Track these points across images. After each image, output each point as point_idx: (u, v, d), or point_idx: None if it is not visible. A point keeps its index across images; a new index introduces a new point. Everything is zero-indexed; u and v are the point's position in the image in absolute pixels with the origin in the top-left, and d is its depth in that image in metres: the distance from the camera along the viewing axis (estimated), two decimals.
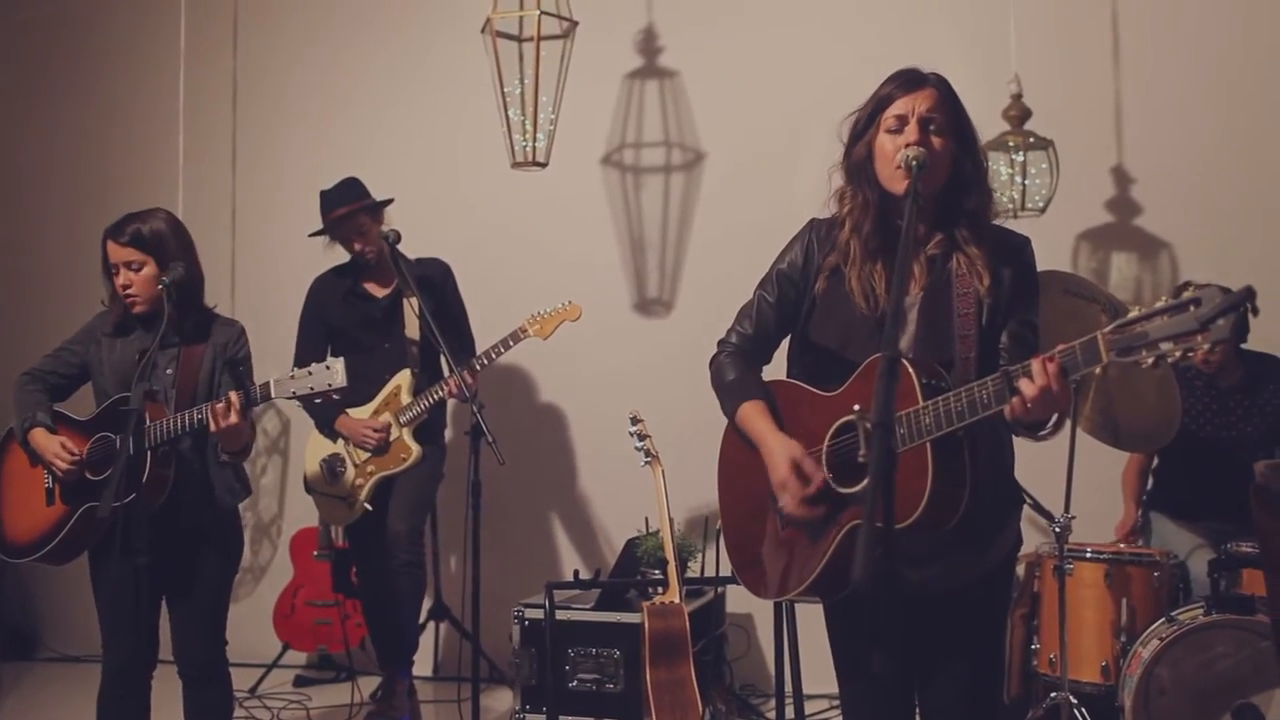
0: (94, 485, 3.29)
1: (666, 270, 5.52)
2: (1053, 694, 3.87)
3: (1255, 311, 1.80)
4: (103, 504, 2.96)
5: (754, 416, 2.44)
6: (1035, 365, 2.03)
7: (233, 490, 3.45)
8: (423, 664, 5.28)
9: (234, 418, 3.12)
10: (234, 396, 3.12)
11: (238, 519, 3.54)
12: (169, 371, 3.35)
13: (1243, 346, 4.35)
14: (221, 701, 3.47)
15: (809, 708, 4.31)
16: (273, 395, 3.20)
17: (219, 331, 3.44)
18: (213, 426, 3.14)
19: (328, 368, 3.16)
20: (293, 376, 3.20)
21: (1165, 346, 1.85)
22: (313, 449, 4.75)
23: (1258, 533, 3.05)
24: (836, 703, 2.71)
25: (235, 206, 5.98)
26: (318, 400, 3.19)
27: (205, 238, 3.51)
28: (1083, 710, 3.82)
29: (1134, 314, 1.89)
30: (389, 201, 4.70)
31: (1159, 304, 1.87)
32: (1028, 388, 2.02)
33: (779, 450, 2.34)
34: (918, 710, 2.47)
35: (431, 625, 5.28)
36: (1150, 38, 5.05)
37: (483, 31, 4.77)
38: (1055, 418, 2.15)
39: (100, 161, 6.16)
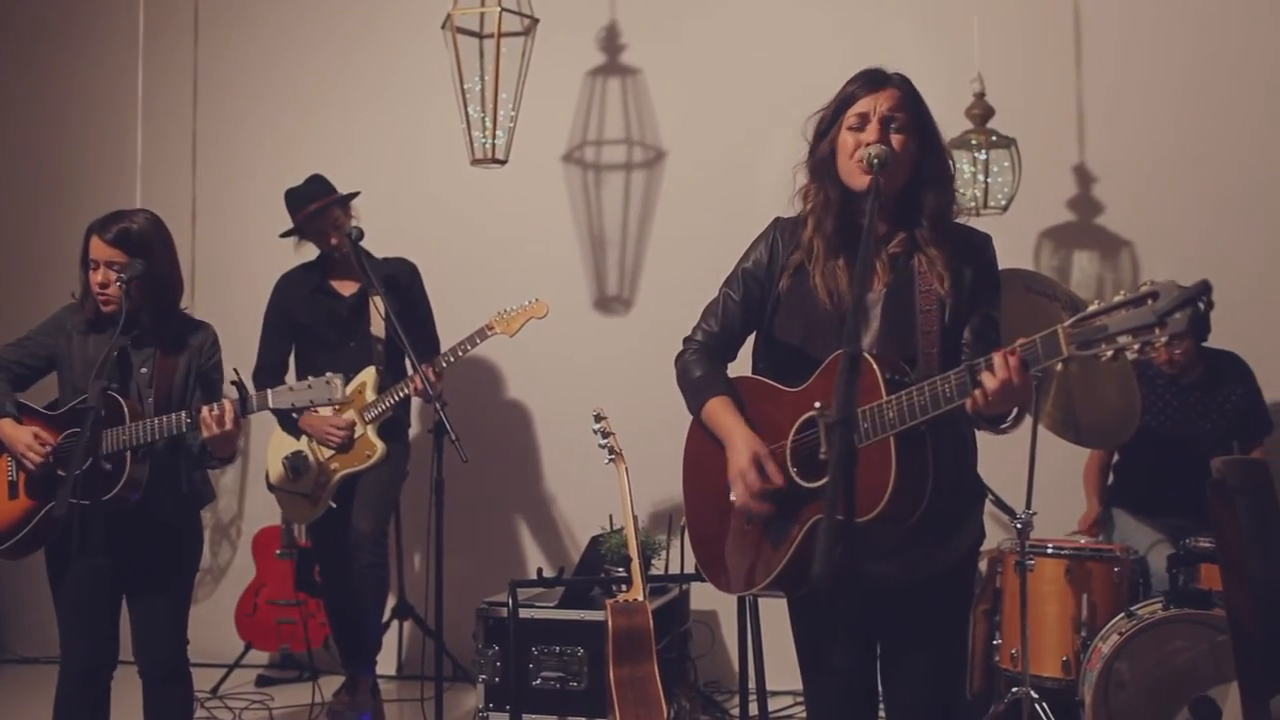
0: (61, 481, 3.25)
1: (627, 268, 5.51)
2: (1014, 689, 3.90)
3: (1210, 305, 1.82)
4: (59, 502, 2.92)
5: (720, 412, 2.44)
6: (997, 359, 2.04)
7: (201, 492, 3.44)
8: (386, 663, 5.25)
9: (228, 426, 3.11)
10: (229, 405, 3.11)
11: (200, 520, 3.52)
12: (144, 371, 3.33)
13: (1203, 344, 4.40)
14: (183, 701, 3.43)
15: (773, 704, 4.32)
16: (270, 405, 3.20)
17: (194, 335, 3.42)
18: (205, 433, 3.12)
19: (326, 382, 3.15)
20: (291, 389, 3.19)
21: (1124, 340, 1.87)
22: (275, 446, 4.72)
23: (1214, 528, 3.08)
24: (801, 698, 2.72)
25: (195, 204, 5.92)
26: (295, 415, 3.16)
27: None
28: (1044, 705, 3.84)
29: (1093, 308, 1.92)
30: (357, 194, 4.68)
31: (1117, 298, 1.89)
32: (989, 380, 2.04)
33: (743, 445, 2.35)
34: (882, 704, 2.48)
35: (395, 624, 5.25)
36: (1112, 38, 5.09)
37: (443, 27, 4.75)
38: (1016, 410, 2.18)
39: (56, 157, 6.07)
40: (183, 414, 3.17)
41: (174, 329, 3.39)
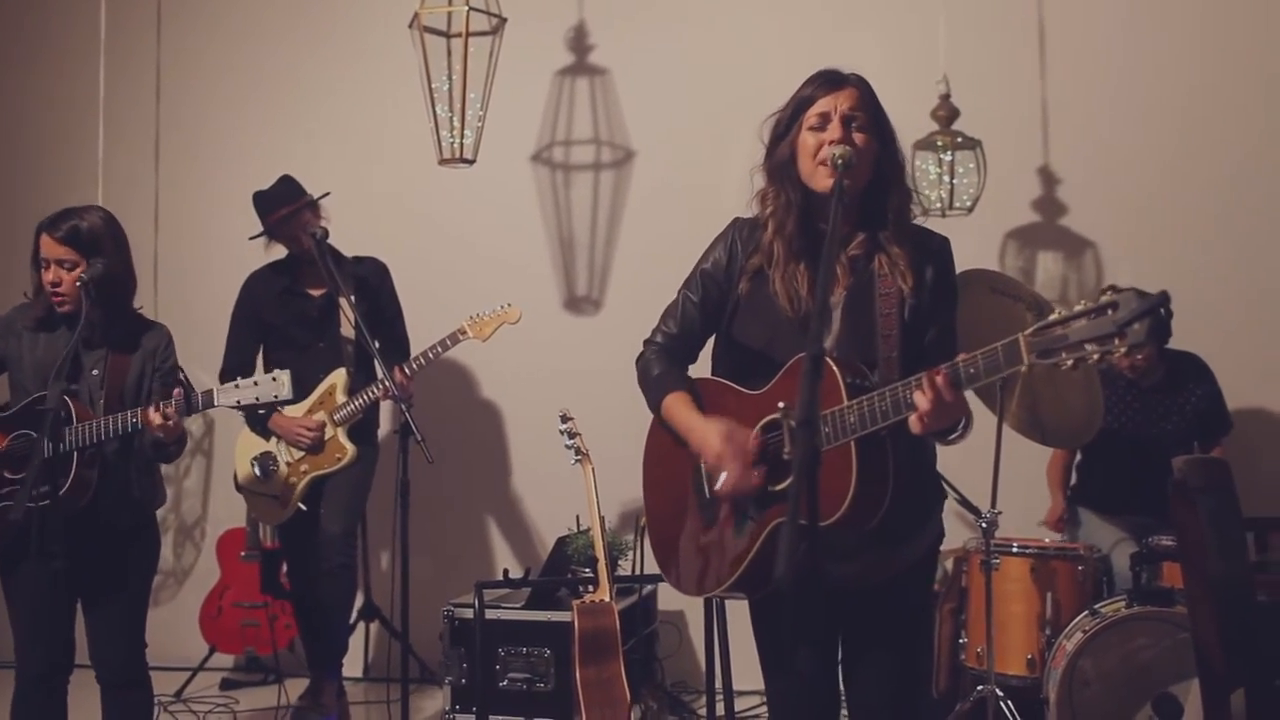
0: (12, 484, 3.21)
1: (596, 268, 5.50)
2: (980, 687, 3.92)
3: (1170, 315, 1.84)
4: (16, 504, 2.89)
5: (679, 406, 2.44)
6: (925, 379, 2.06)
7: (152, 496, 3.41)
8: (353, 665, 5.22)
9: (170, 424, 3.09)
10: (171, 403, 3.08)
11: (156, 524, 3.48)
12: (95, 373, 3.29)
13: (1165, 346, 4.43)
14: (142, 706, 3.40)
15: (740, 704, 4.33)
16: (216, 403, 3.17)
17: (148, 337, 3.38)
18: (151, 431, 3.11)
19: (274, 379, 3.13)
20: (237, 386, 3.17)
21: (1085, 349, 1.88)
22: (244, 447, 4.69)
23: (1175, 527, 3.11)
24: (766, 699, 2.73)
25: (158, 202, 5.87)
26: (261, 411, 3.15)
27: (127, 234, 3.43)
28: (1009, 703, 3.86)
29: (1054, 317, 1.93)
30: (326, 195, 4.66)
31: (1078, 307, 1.90)
32: (921, 400, 2.06)
33: (709, 430, 2.33)
34: (845, 704, 2.49)
35: (362, 626, 5.22)
36: (1076, 40, 5.12)
37: (410, 26, 4.73)
38: (963, 422, 2.18)
39: (15, 156, 6.01)
40: (128, 414, 3.15)
41: (127, 329, 3.36)
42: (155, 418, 3.09)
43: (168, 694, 4.90)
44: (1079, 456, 4.73)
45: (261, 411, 3.19)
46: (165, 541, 5.63)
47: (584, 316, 5.53)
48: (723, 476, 2.29)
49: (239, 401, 3.16)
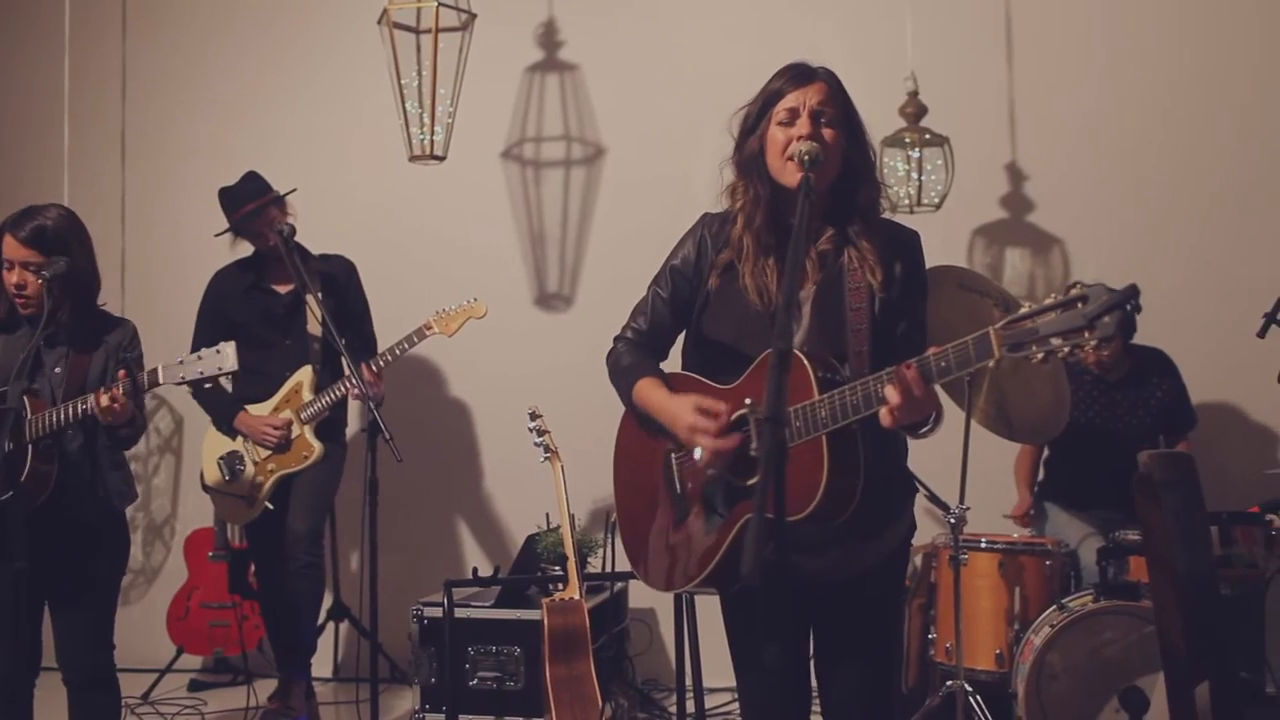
0: None
1: (567, 265, 5.50)
2: (949, 682, 3.94)
3: (1138, 309, 1.85)
4: None
5: (650, 389, 2.44)
6: (896, 373, 2.07)
7: (121, 493, 3.37)
8: (322, 665, 5.20)
9: (118, 407, 3.05)
10: (117, 389, 3.06)
11: (125, 523, 3.44)
12: (57, 370, 3.25)
13: (1130, 341, 4.47)
14: (109, 708, 3.36)
15: (710, 701, 4.34)
16: (161, 381, 3.14)
17: (112, 333, 3.35)
18: (101, 419, 3.08)
19: (217, 351, 3.11)
20: (181, 362, 3.14)
21: (1055, 342, 1.89)
22: (210, 446, 4.66)
23: (1140, 521, 3.13)
24: (737, 695, 2.73)
25: (125, 199, 5.81)
26: (208, 385, 3.13)
27: (94, 232, 3.39)
28: (977, 698, 3.88)
29: (1025, 310, 1.94)
30: (293, 191, 4.63)
31: (1048, 301, 1.91)
32: (891, 395, 2.07)
33: (680, 404, 2.33)
34: (816, 699, 2.49)
35: (331, 625, 5.20)
36: (1043, 37, 5.15)
37: (379, 22, 4.71)
38: (933, 417, 2.19)
39: None
40: (78, 402, 3.11)
41: (91, 327, 3.32)
42: (104, 399, 3.06)
43: (135, 696, 4.86)
44: (1046, 452, 4.76)
45: (208, 385, 3.16)
46: (134, 541, 5.63)
47: (555, 313, 5.52)
48: (700, 440, 2.29)
49: (183, 377, 3.13)
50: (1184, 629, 2.63)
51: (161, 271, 5.64)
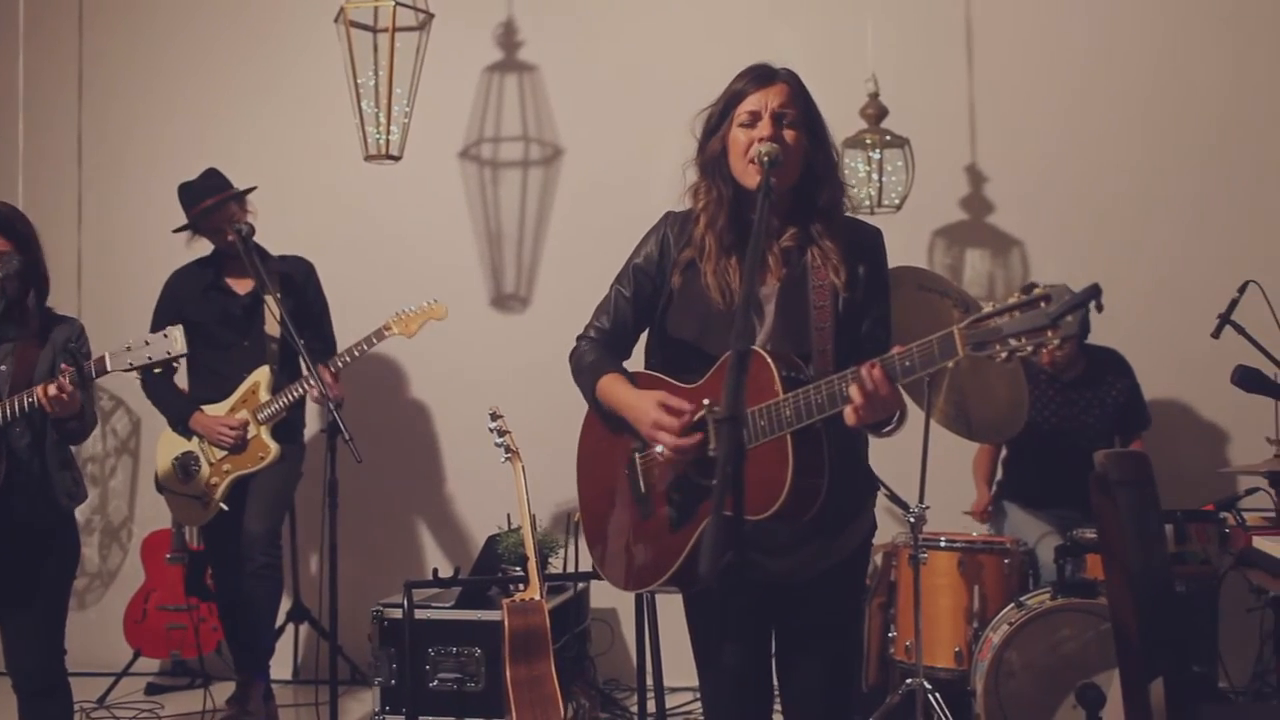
0: None
1: (524, 266, 5.49)
2: (908, 680, 3.96)
3: (1100, 308, 1.87)
4: None
5: (614, 384, 2.44)
6: (860, 371, 2.08)
7: (70, 493, 3.33)
8: (281, 667, 5.15)
9: (62, 396, 3.02)
10: (62, 376, 3.02)
11: (74, 523, 3.40)
12: (3, 368, 3.21)
13: (1085, 341, 4.51)
14: (61, 714, 3.32)
15: (671, 700, 4.34)
16: (109, 369, 3.11)
17: (59, 330, 3.31)
18: (48, 410, 3.05)
19: (165, 335, 3.08)
20: (128, 348, 3.10)
21: (1018, 341, 1.90)
22: (165, 446, 4.61)
23: (1097, 519, 3.15)
24: (699, 694, 2.74)
25: (81, 199, 5.74)
26: (158, 370, 3.09)
27: (49, 232, 3.38)
28: (937, 695, 3.91)
29: (988, 309, 1.95)
30: (253, 189, 4.59)
31: (1011, 300, 1.92)
32: (855, 393, 2.08)
33: (644, 400, 2.33)
34: (778, 697, 2.49)
35: (290, 627, 5.15)
36: (1003, 40, 5.20)
37: (336, 21, 4.68)
38: (897, 416, 2.20)
39: None
40: (23, 395, 3.08)
41: (39, 323, 3.28)
42: (51, 389, 3.02)
43: (90, 700, 4.81)
44: (1004, 451, 4.80)
45: (158, 371, 3.12)
46: (91, 543, 5.56)
47: (512, 314, 5.51)
48: (662, 438, 2.29)
49: (131, 363, 3.09)
50: (1139, 625, 2.65)
51: (118, 275, 5.57)
